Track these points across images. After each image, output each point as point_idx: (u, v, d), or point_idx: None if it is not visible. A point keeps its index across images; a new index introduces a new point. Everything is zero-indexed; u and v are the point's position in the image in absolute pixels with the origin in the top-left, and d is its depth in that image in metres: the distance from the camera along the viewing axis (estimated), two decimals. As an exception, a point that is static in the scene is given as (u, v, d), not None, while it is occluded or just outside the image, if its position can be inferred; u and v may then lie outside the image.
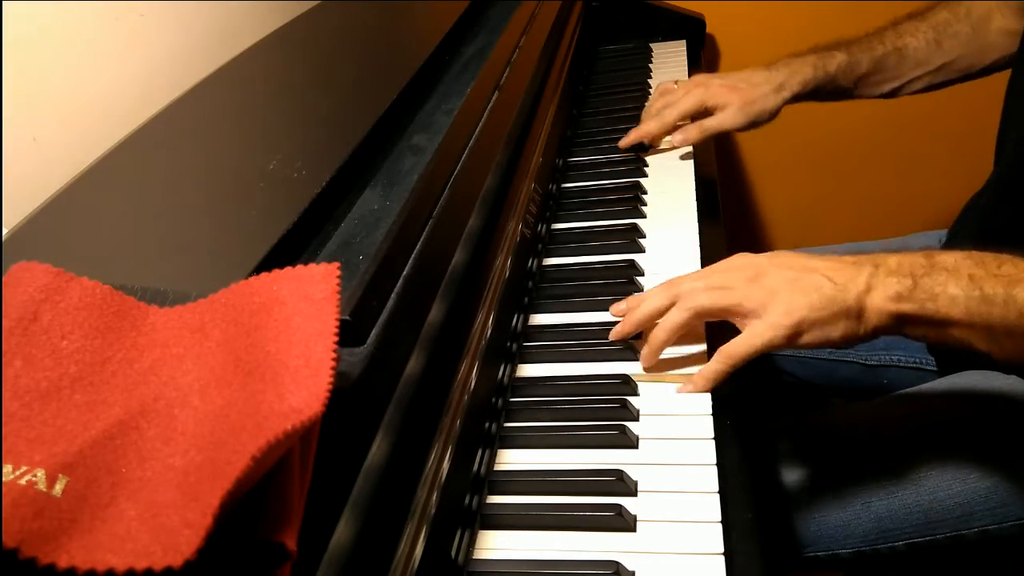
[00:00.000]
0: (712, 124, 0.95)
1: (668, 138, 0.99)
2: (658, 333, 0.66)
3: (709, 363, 0.64)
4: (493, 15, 1.01)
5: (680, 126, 0.99)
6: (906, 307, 0.59)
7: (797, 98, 0.95)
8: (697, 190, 0.94)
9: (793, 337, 0.61)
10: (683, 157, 1.00)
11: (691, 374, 0.66)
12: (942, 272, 0.59)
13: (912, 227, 1.07)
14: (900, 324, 0.60)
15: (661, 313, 0.67)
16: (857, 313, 0.60)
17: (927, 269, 0.60)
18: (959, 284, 0.58)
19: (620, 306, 0.72)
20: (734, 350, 0.63)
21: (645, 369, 0.68)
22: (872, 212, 1.62)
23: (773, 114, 0.95)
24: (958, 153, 1.42)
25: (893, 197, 1.60)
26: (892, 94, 0.98)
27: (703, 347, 0.70)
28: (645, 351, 0.67)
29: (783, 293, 0.61)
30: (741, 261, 0.66)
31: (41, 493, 0.32)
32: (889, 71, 0.96)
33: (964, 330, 0.59)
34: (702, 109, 0.95)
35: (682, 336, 0.67)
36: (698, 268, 0.81)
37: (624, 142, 1.01)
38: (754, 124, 0.95)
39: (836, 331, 0.61)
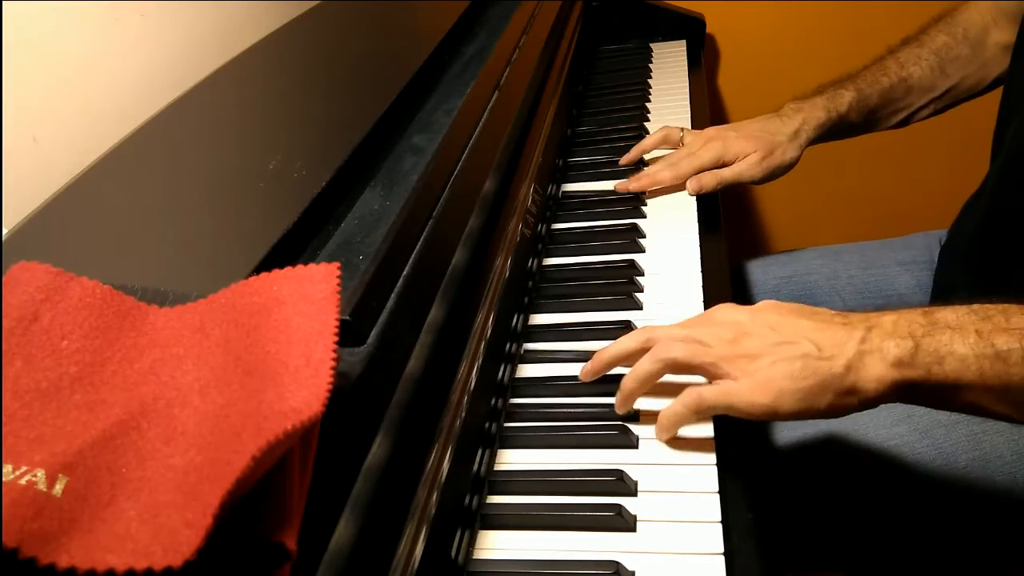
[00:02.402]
0: (730, 175, 0.91)
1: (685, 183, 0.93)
2: (627, 382, 0.61)
3: (672, 404, 0.60)
4: (493, 15, 1.01)
5: None
6: (909, 373, 0.54)
7: (810, 143, 0.93)
8: (697, 190, 0.94)
9: (771, 408, 0.56)
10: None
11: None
12: (945, 330, 0.54)
13: (912, 227, 1.07)
14: (902, 392, 0.55)
15: (630, 355, 0.62)
16: (848, 385, 0.55)
17: (928, 328, 0.54)
18: (966, 342, 0.53)
19: (587, 367, 0.67)
20: (705, 395, 0.58)
21: (619, 414, 0.64)
22: (872, 212, 1.62)
23: (791, 165, 0.92)
24: (958, 153, 1.42)
25: (893, 197, 1.60)
26: (901, 124, 0.97)
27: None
28: (618, 398, 0.63)
29: (763, 359, 0.56)
30: (723, 316, 0.61)
31: (41, 493, 0.32)
32: (898, 103, 0.94)
33: (977, 393, 0.54)
34: (719, 164, 0.92)
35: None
36: (698, 269, 0.81)
37: (635, 185, 0.93)
38: (772, 177, 0.92)
39: (821, 402, 0.55)
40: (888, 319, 0.56)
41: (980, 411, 0.56)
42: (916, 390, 0.55)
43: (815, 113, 0.92)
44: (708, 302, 0.77)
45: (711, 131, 0.95)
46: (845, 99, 0.92)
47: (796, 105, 0.93)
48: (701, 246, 0.85)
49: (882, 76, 0.93)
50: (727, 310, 0.62)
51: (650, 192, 0.95)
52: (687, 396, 0.59)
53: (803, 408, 0.56)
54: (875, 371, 0.54)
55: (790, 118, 0.92)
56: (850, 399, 0.55)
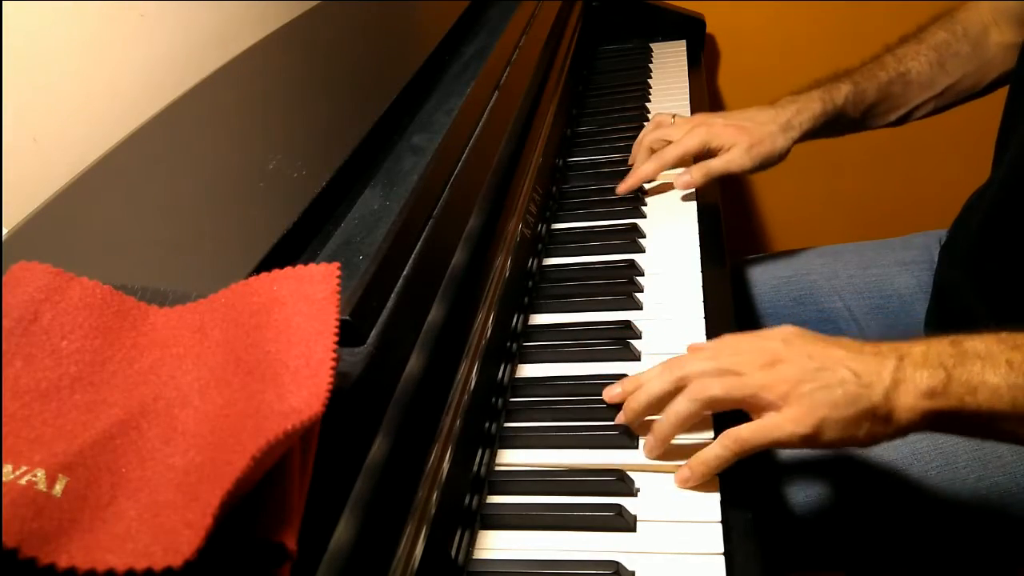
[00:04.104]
0: (717, 165, 0.88)
1: (673, 180, 0.92)
2: (664, 427, 0.59)
3: (712, 447, 0.57)
4: (493, 15, 1.01)
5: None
6: (942, 403, 0.54)
7: (806, 136, 0.90)
8: (697, 189, 0.94)
9: (813, 438, 0.55)
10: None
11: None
12: (976, 360, 0.54)
13: (912, 227, 1.07)
14: (933, 422, 0.55)
15: (664, 400, 0.60)
16: (885, 413, 0.54)
17: (958, 358, 0.54)
18: (998, 373, 0.53)
19: (614, 390, 0.64)
20: (745, 436, 0.56)
21: (650, 458, 0.61)
22: (872, 212, 1.62)
23: (782, 156, 0.89)
24: (958, 153, 1.43)
25: (893, 197, 1.60)
26: (899, 122, 0.95)
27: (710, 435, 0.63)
28: (650, 441, 0.61)
29: (804, 385, 0.55)
30: (753, 344, 0.59)
31: (41, 493, 0.32)
32: (896, 98, 0.92)
33: (1012, 423, 0.54)
34: (704, 150, 0.89)
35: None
36: (698, 269, 0.81)
37: (623, 187, 0.93)
38: (762, 167, 0.89)
39: (860, 431, 0.55)
40: (918, 349, 0.56)
41: (1015, 440, 0.56)
42: (949, 420, 0.55)
43: (811, 104, 0.90)
44: (708, 302, 0.77)
45: (698, 117, 0.93)
46: (842, 92, 0.90)
47: (792, 97, 0.92)
48: (701, 246, 0.85)
49: (880, 71, 0.92)
50: (751, 339, 0.60)
51: (649, 189, 0.95)
52: (727, 439, 0.57)
53: (843, 437, 0.55)
54: (908, 400, 0.54)
55: (784, 108, 0.90)
56: (885, 428, 0.55)
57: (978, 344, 0.55)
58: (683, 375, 0.59)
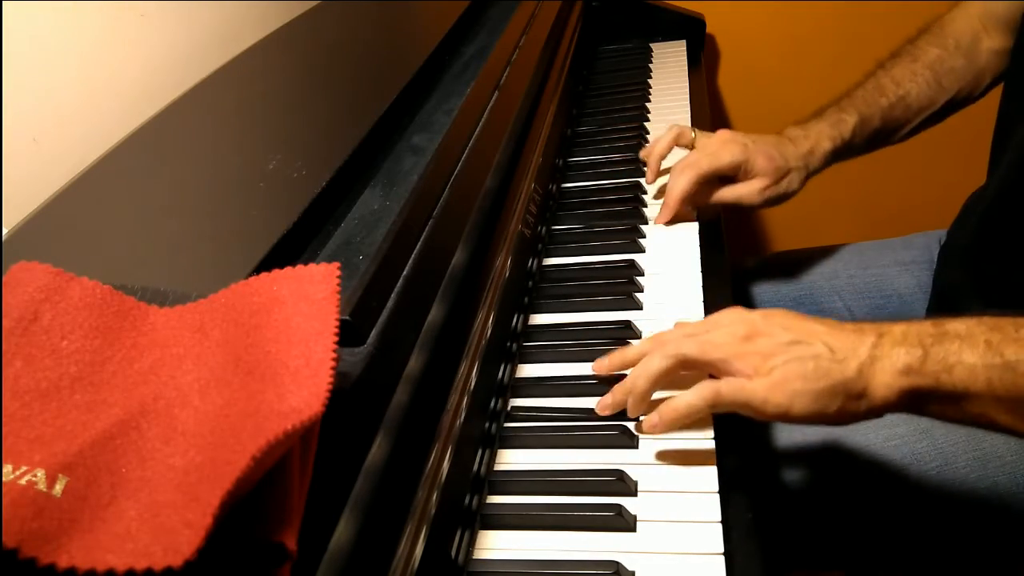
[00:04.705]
0: (729, 196, 0.87)
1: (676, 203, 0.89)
2: (637, 381, 0.61)
3: (686, 394, 0.58)
4: (493, 15, 1.01)
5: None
6: (918, 381, 0.54)
7: (816, 172, 0.89)
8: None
9: (785, 408, 0.55)
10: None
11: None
12: (955, 340, 0.54)
13: (912, 227, 1.07)
14: (910, 401, 0.55)
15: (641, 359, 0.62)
16: (859, 389, 0.55)
17: (937, 337, 0.54)
18: (975, 352, 0.53)
19: (603, 361, 0.66)
20: (723, 391, 0.57)
21: (631, 415, 0.63)
22: (872, 212, 1.62)
23: (791, 196, 0.89)
24: (958, 153, 1.42)
25: (893, 197, 1.60)
26: (900, 140, 0.95)
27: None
28: (629, 401, 0.62)
29: (776, 357, 0.56)
30: (733, 317, 0.61)
31: (41, 493, 0.32)
32: (897, 121, 0.92)
33: (985, 404, 0.54)
34: (737, 169, 0.86)
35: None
36: (698, 269, 0.81)
37: (662, 219, 0.89)
38: (769, 206, 0.89)
39: (832, 405, 0.55)
40: (898, 328, 0.56)
41: (988, 424, 0.56)
42: (924, 399, 0.55)
43: (822, 143, 0.88)
44: (708, 302, 0.77)
45: (727, 134, 0.89)
46: (848, 125, 0.89)
47: (803, 132, 0.89)
48: (701, 246, 0.85)
49: (880, 97, 0.91)
50: (736, 311, 0.62)
51: (655, 193, 0.95)
52: (704, 389, 0.58)
53: (815, 411, 0.56)
54: (884, 377, 0.54)
55: (798, 145, 0.88)
56: (859, 405, 0.55)
57: (959, 325, 0.55)
58: (660, 340, 0.62)
